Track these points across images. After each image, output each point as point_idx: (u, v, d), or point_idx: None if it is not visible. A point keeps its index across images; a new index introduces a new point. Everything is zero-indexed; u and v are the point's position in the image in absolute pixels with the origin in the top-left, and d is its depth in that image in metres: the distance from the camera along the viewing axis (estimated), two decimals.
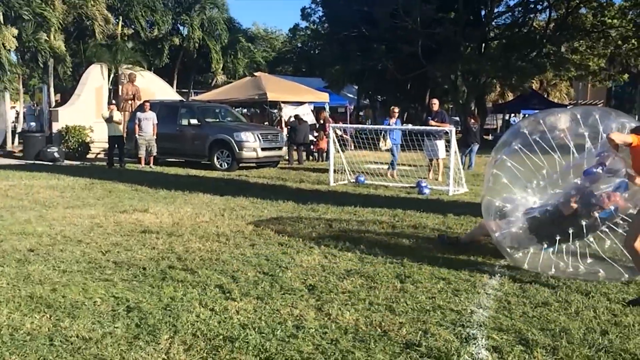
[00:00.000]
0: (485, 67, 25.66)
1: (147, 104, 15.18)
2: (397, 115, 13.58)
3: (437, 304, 4.25)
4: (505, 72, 26.66)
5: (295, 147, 16.79)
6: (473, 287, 4.68)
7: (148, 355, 3.30)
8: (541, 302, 4.32)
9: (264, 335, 3.62)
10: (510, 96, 39.15)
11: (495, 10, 28.67)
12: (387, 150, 13.27)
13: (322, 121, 18.70)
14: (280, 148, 15.74)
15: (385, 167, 13.58)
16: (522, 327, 3.79)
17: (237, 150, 14.46)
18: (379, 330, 3.74)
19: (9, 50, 19.20)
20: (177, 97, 22.20)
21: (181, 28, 31.31)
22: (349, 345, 3.50)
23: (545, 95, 41.31)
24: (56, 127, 18.54)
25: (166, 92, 21.97)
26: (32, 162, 16.36)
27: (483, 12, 28.50)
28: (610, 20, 25.70)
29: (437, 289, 4.62)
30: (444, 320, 3.92)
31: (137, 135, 14.61)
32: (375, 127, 16.67)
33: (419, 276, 4.94)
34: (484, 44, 28.58)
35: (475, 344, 3.53)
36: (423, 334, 3.67)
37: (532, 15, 29.04)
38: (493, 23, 29.54)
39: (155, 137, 14.69)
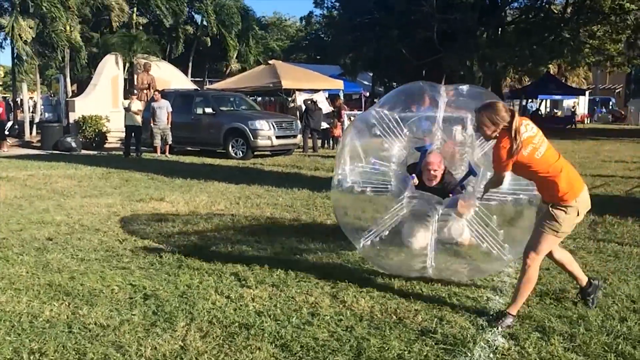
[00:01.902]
0: (501, 53, 25.32)
1: (158, 94, 15.26)
2: None
3: (452, 291, 4.23)
4: (522, 58, 26.28)
5: (309, 135, 16.74)
6: (488, 275, 4.65)
7: (165, 342, 3.33)
8: (558, 289, 4.28)
9: (279, 322, 3.64)
10: (527, 81, 38.65)
11: None
12: None
13: (337, 108, 18.63)
14: (295, 136, 15.72)
15: None
16: (538, 315, 3.76)
17: (252, 139, 14.48)
18: (394, 317, 3.74)
19: (26, 41, 19.38)
20: (192, 86, 22.26)
21: (195, 17, 31.34)
22: (364, 332, 3.50)
23: (564, 80, 40.74)
24: (73, 117, 18.72)
25: (181, 81, 22.04)
26: (49, 152, 16.56)
27: None
28: (628, 5, 25.13)
29: None
30: (459, 307, 3.90)
31: (152, 124, 14.70)
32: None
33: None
34: (500, 29, 28.18)
35: (491, 331, 3.51)
36: (439, 321, 3.66)
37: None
38: (509, 7, 29.08)
39: (169, 125, 14.76)
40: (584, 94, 42.92)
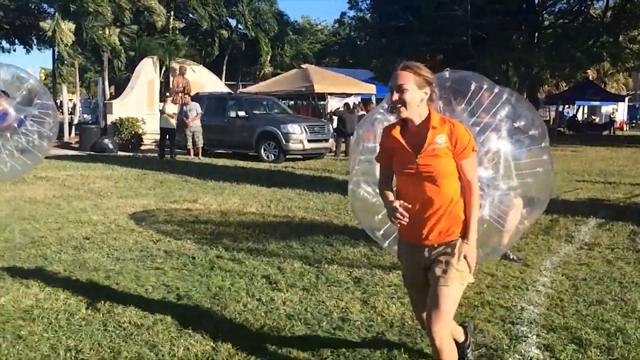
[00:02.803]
0: (537, 57, 24.88)
1: (188, 97, 15.59)
2: None
3: (485, 299, 4.17)
4: (559, 62, 25.77)
5: (343, 139, 16.74)
6: (523, 284, 4.57)
7: (197, 342, 3.37)
8: (595, 301, 4.17)
9: (309, 326, 3.64)
10: (565, 87, 37.84)
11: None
12: None
13: (372, 106, 18.60)
14: (326, 140, 15.75)
15: None
16: (575, 326, 3.67)
17: (284, 142, 14.56)
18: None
19: (67, 44, 19.92)
20: (226, 90, 22.53)
21: (230, 21, 31.72)
22: (395, 338, 3.47)
23: (602, 86, 39.78)
24: (110, 119, 19.13)
25: (215, 84, 22.32)
26: (87, 153, 16.95)
27: (537, 0, 27.61)
28: None
29: (485, 284, 4.53)
30: (492, 317, 3.84)
31: (185, 122, 14.97)
32: None
33: None
34: (537, 33, 27.69)
35: (525, 341, 3.44)
36: (471, 330, 3.60)
37: (588, 3, 27.93)
38: (547, 11, 28.56)
39: (200, 127, 14.96)
40: (624, 100, 41.80)
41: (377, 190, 3.63)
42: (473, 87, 4.45)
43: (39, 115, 6.93)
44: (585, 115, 42.49)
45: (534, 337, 3.51)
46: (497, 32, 24.75)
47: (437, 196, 2.58)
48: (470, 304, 4.06)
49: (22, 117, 6.61)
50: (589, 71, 35.69)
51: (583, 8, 27.86)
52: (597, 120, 40.18)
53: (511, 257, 5.22)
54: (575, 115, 38.38)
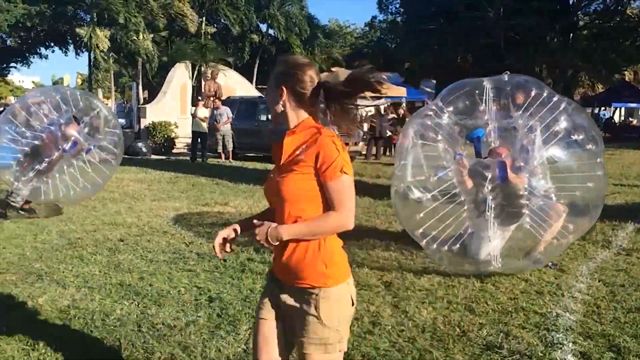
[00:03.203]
0: (572, 58, 24.40)
1: (218, 102, 15.78)
2: None
3: (519, 305, 4.10)
4: (594, 64, 25.21)
5: (374, 142, 16.69)
6: (558, 289, 4.47)
7: (228, 344, 3.40)
8: (634, 308, 4.06)
9: None
10: (601, 89, 36.96)
11: None
12: None
13: (401, 115, 18.50)
14: (356, 143, 15.71)
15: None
16: (612, 333, 3.58)
17: None
18: (458, 330, 3.65)
19: (102, 50, 20.39)
20: (257, 94, 22.70)
21: (261, 25, 31.98)
22: (427, 344, 3.44)
23: None
24: (144, 123, 19.47)
25: (246, 88, 22.53)
26: (122, 156, 17.24)
27: (571, 0, 27.09)
28: None
29: (519, 289, 4.45)
30: (527, 323, 3.77)
31: (216, 126, 15.16)
32: None
33: (499, 276, 4.77)
34: (571, 34, 27.16)
35: (561, 349, 3.37)
36: (505, 336, 3.55)
37: (625, 2, 27.27)
38: (582, 11, 27.98)
39: (230, 131, 15.11)
40: None
41: (417, 189, 3.67)
42: (534, 93, 4.43)
43: (106, 146, 7.12)
44: (622, 118, 41.43)
45: (570, 344, 3.43)
46: (531, 34, 24.36)
47: (285, 223, 2.04)
48: (504, 310, 4.00)
49: (91, 146, 6.80)
50: (625, 72, 34.79)
51: (619, 7, 27.23)
52: (635, 122, 39.13)
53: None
54: (612, 118, 37.45)
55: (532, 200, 4.52)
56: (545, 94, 4.52)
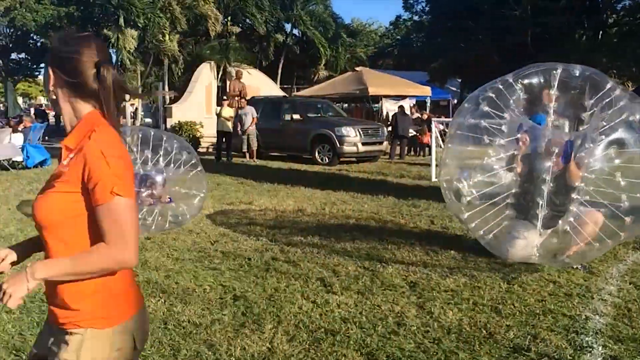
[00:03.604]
0: (601, 56, 23.90)
1: (244, 101, 15.85)
2: None
3: (547, 307, 4.03)
4: (624, 62, 24.65)
5: (398, 142, 16.61)
6: (587, 292, 4.38)
7: (253, 343, 3.41)
8: None
9: (364, 330, 3.62)
10: (631, 87, 36.17)
11: None
12: None
13: (425, 116, 18.41)
14: (380, 143, 15.66)
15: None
16: None
17: (338, 145, 14.57)
18: (484, 331, 3.61)
19: (129, 50, 20.70)
20: (281, 93, 22.79)
21: (285, 25, 32.06)
22: (452, 345, 3.41)
23: None
24: (170, 122, 19.71)
25: (270, 88, 22.65)
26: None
27: None
28: None
29: (546, 291, 4.38)
30: (555, 326, 3.70)
31: (238, 130, 15.24)
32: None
33: (526, 277, 4.71)
34: (601, 32, 26.60)
35: (590, 352, 3.30)
36: (532, 338, 3.49)
37: None
38: (611, 9, 27.37)
39: (255, 130, 15.19)
40: None
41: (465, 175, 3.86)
42: (609, 86, 4.43)
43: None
44: None
45: (600, 348, 3.36)
46: (559, 32, 23.95)
47: (49, 255, 1.61)
48: (531, 312, 3.94)
49: (169, 197, 6.48)
50: None
51: None
52: None
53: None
54: None
55: (575, 202, 4.48)
56: (618, 90, 4.52)
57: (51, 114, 30.95)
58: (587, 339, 3.49)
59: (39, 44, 30.67)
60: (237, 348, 3.34)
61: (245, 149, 15.27)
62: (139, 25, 20.61)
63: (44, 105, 37.46)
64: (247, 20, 27.73)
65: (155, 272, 4.81)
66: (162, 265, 5.06)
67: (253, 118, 15.19)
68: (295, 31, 32.37)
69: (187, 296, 4.24)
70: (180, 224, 6.42)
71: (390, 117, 18.87)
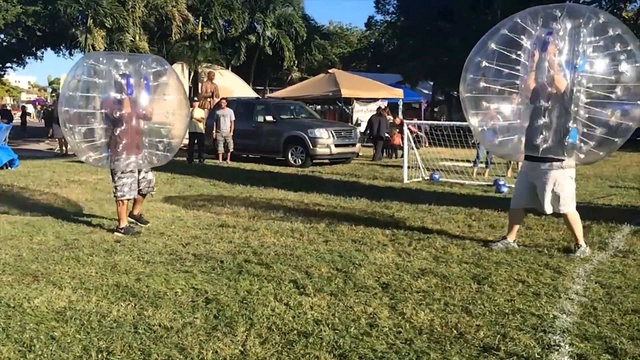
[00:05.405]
0: None
1: (224, 102, 15.63)
2: None
3: (516, 307, 4.10)
4: None
5: (373, 143, 16.72)
6: (555, 291, 4.48)
7: (225, 346, 3.39)
8: (630, 310, 4.07)
9: (337, 331, 3.63)
10: None
11: (581, 0, 27.22)
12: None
13: (398, 120, 18.58)
14: (353, 145, 15.72)
15: (468, 164, 13.04)
16: (609, 335, 3.58)
17: (311, 147, 14.58)
18: (455, 332, 3.65)
19: (98, 50, 20.37)
20: (254, 95, 22.69)
21: (257, 26, 31.99)
22: (424, 345, 3.44)
23: None
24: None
25: (243, 89, 22.53)
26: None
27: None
28: None
29: (516, 291, 4.46)
30: (523, 325, 3.77)
31: (214, 132, 15.06)
32: (452, 124, 16.23)
33: (496, 277, 4.78)
34: None
35: (558, 350, 3.37)
36: (502, 337, 3.55)
37: (621, 5, 27.40)
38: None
39: (232, 133, 15.09)
40: None
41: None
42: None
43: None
44: None
45: (567, 346, 3.43)
46: None
47: None
48: (501, 312, 4.00)
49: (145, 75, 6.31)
50: None
51: (615, 10, 27.29)
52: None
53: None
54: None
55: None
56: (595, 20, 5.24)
57: (17, 114, 30.23)
58: (554, 337, 3.56)
59: (4, 43, 29.91)
60: (209, 351, 3.31)
61: (221, 150, 15.13)
62: (107, 25, 20.35)
63: (8, 105, 36.58)
64: (220, 21, 27.57)
65: (125, 276, 4.74)
66: (132, 268, 4.99)
67: (231, 122, 15.07)
68: (268, 32, 32.32)
69: (158, 300, 4.19)
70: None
71: (357, 121, 18.99)
